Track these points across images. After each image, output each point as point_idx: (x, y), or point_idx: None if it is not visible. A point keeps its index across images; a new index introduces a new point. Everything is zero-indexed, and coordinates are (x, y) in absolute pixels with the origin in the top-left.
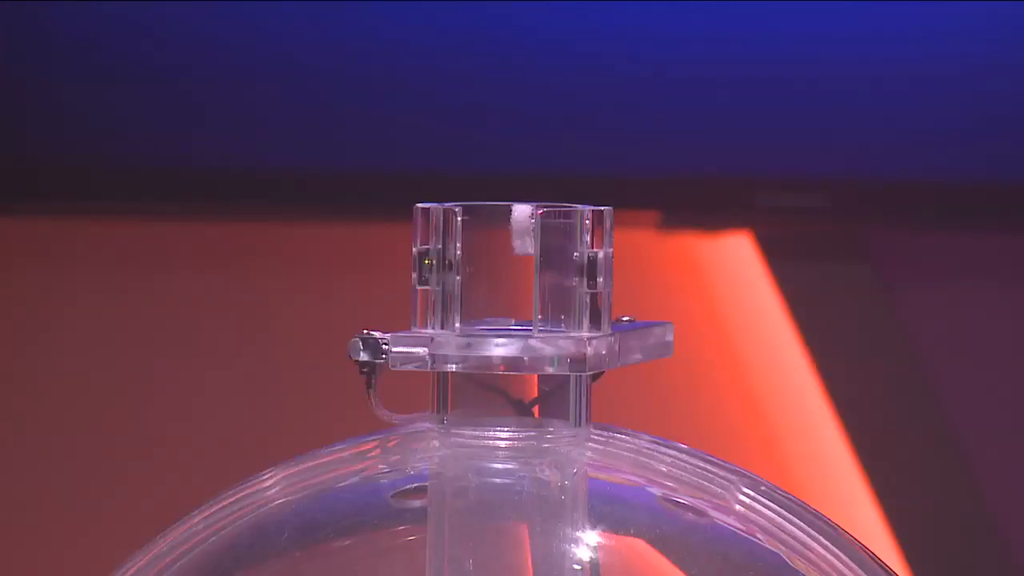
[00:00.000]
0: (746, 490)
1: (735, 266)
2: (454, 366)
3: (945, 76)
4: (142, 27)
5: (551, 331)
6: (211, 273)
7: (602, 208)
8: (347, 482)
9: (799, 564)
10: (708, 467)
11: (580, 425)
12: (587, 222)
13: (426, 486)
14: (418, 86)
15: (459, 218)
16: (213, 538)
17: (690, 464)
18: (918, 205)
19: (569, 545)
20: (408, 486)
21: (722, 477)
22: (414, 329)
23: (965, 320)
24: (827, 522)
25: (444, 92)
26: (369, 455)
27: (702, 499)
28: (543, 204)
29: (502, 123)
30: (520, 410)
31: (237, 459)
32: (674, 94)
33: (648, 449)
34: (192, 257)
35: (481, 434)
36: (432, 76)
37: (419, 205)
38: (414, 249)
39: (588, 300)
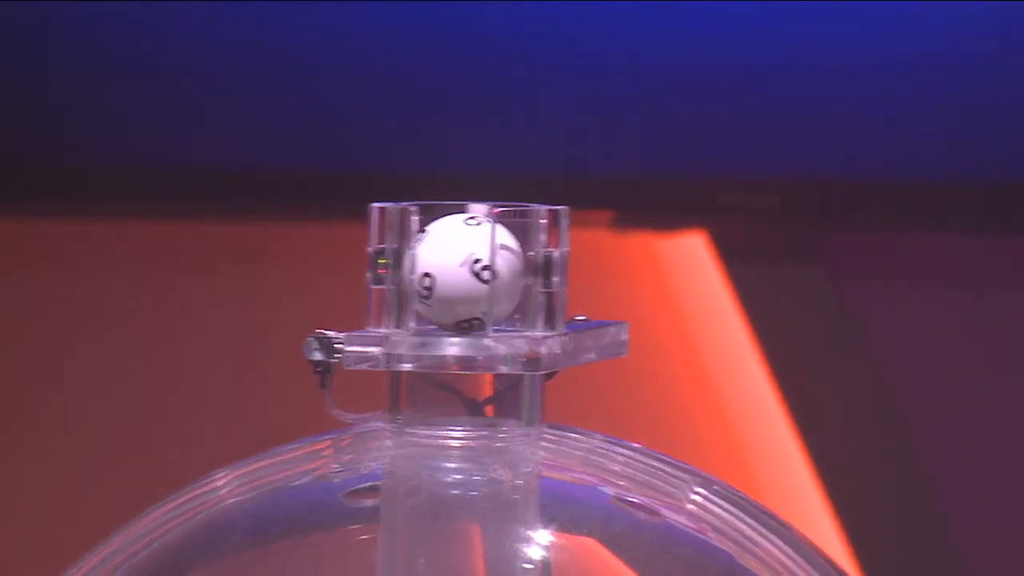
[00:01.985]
0: (698, 489)
1: (690, 266)
2: (408, 365)
3: (896, 75)
4: (135, 26)
5: (505, 330)
6: (182, 273)
7: (558, 207)
8: (300, 481)
9: (750, 563)
10: (661, 466)
11: (533, 424)
12: (543, 221)
13: (379, 485)
14: (378, 87)
15: (415, 217)
16: (165, 537)
17: (643, 463)
18: (871, 205)
19: (521, 544)
20: (361, 485)
21: (675, 476)
22: (369, 328)
23: (918, 319)
24: (779, 521)
25: (400, 93)
26: (322, 454)
27: (654, 498)
28: (499, 203)
29: (458, 123)
30: (474, 409)
31: (201, 458)
32: (629, 94)
33: (601, 448)
34: (175, 257)
35: (434, 433)
36: (390, 76)
37: (375, 204)
38: (369, 248)
39: (543, 299)
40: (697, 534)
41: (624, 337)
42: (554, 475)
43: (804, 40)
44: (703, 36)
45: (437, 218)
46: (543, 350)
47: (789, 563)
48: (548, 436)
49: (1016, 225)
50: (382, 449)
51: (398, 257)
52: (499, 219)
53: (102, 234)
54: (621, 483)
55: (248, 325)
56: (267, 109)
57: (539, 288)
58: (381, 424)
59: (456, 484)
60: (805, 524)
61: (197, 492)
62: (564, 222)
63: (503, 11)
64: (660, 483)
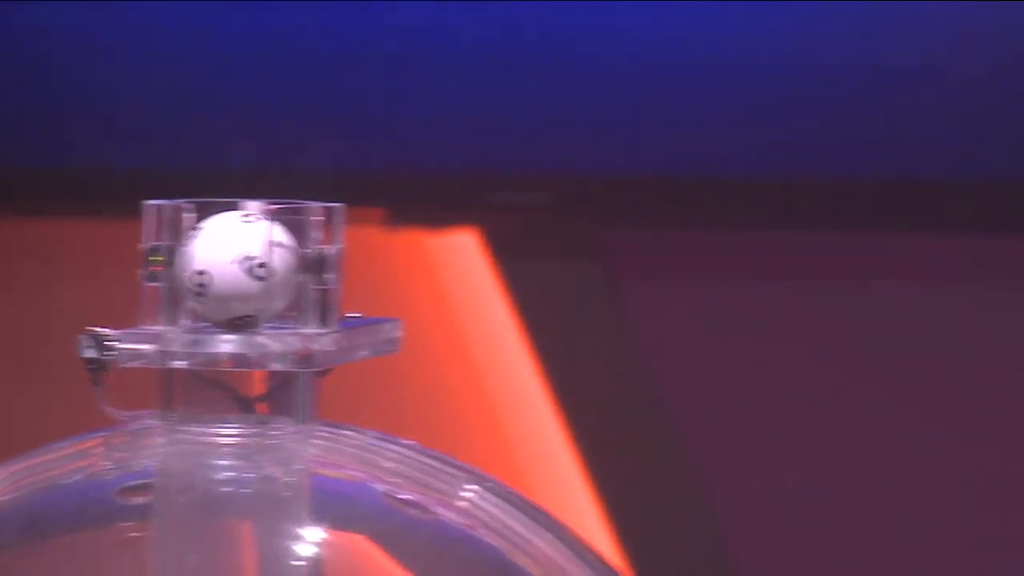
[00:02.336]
0: (469, 486)
1: (463, 263)
2: (181, 363)
3: (669, 71)
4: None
5: (279, 328)
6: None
7: (332, 205)
8: (72, 479)
9: (520, 559)
10: (433, 463)
11: (306, 422)
12: (318, 218)
13: (152, 483)
14: (150, 83)
15: (189, 215)
16: None
17: (415, 460)
18: (646, 202)
19: (292, 542)
20: (134, 483)
21: (446, 473)
22: (142, 326)
23: (692, 317)
24: (549, 518)
25: (171, 91)
26: (95, 452)
27: (426, 495)
28: (274, 201)
29: (235, 121)
30: (246, 407)
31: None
32: (404, 89)
33: (373, 445)
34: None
35: (206, 431)
36: (164, 75)
37: (147, 202)
38: (142, 246)
39: (317, 296)
40: (468, 531)
41: (397, 334)
42: (326, 472)
43: (577, 36)
44: (473, 33)
45: (212, 215)
46: (316, 347)
47: (559, 559)
48: (321, 433)
49: (784, 220)
50: (155, 447)
51: (172, 254)
52: (274, 216)
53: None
54: (393, 480)
55: (20, 322)
56: (39, 104)
57: (313, 285)
58: (155, 422)
59: (228, 481)
60: (574, 520)
61: None
62: (338, 219)
63: (253, 9)
64: (432, 480)
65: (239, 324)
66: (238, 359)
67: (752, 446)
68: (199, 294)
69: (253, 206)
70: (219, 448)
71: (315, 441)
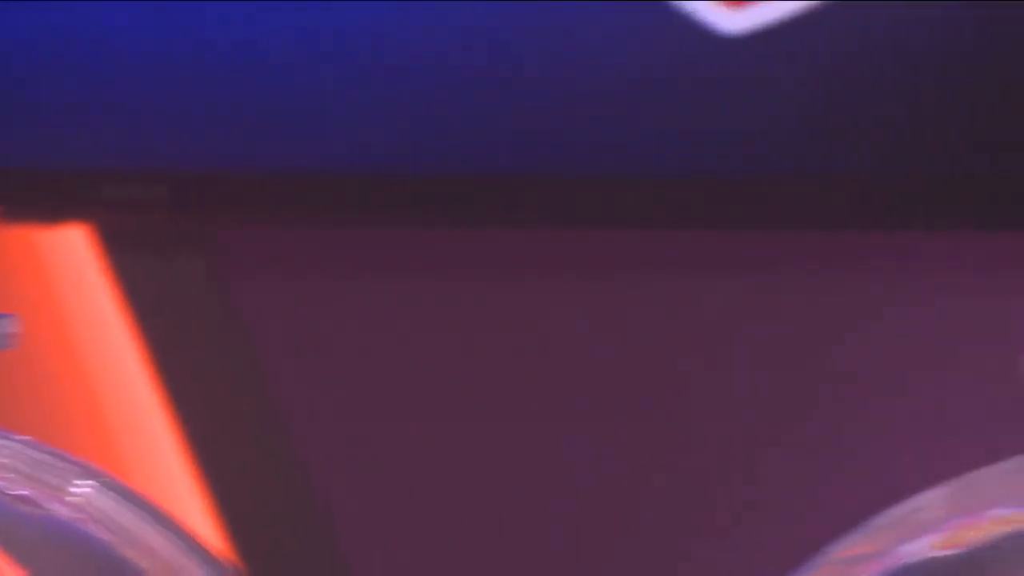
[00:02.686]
0: (80, 481)
1: (73, 259)
2: None
3: (296, 67)
4: None
5: None
6: None
7: None
8: None
9: (129, 552)
10: (45, 458)
11: None
12: None
13: None
14: None
15: None
16: None
17: (27, 456)
18: (260, 199)
19: None
20: None
21: (58, 468)
22: None
23: (306, 314)
24: (159, 512)
25: None
26: None
27: (37, 490)
28: None
29: None
30: None
31: None
32: (11, 89)
33: None
34: None
35: None
36: None
37: None
38: None
39: None
40: (79, 525)
41: (10, 330)
42: None
43: (179, 35)
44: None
45: None
46: None
47: (169, 552)
48: None
49: (406, 218)
50: None
51: None
52: None
53: None
54: (6, 476)
55: None
56: None
57: None
58: None
59: None
60: (183, 514)
61: None
62: None
63: None
64: (43, 475)
65: None
66: None
67: (365, 442)
68: None
69: None
70: None
71: None
